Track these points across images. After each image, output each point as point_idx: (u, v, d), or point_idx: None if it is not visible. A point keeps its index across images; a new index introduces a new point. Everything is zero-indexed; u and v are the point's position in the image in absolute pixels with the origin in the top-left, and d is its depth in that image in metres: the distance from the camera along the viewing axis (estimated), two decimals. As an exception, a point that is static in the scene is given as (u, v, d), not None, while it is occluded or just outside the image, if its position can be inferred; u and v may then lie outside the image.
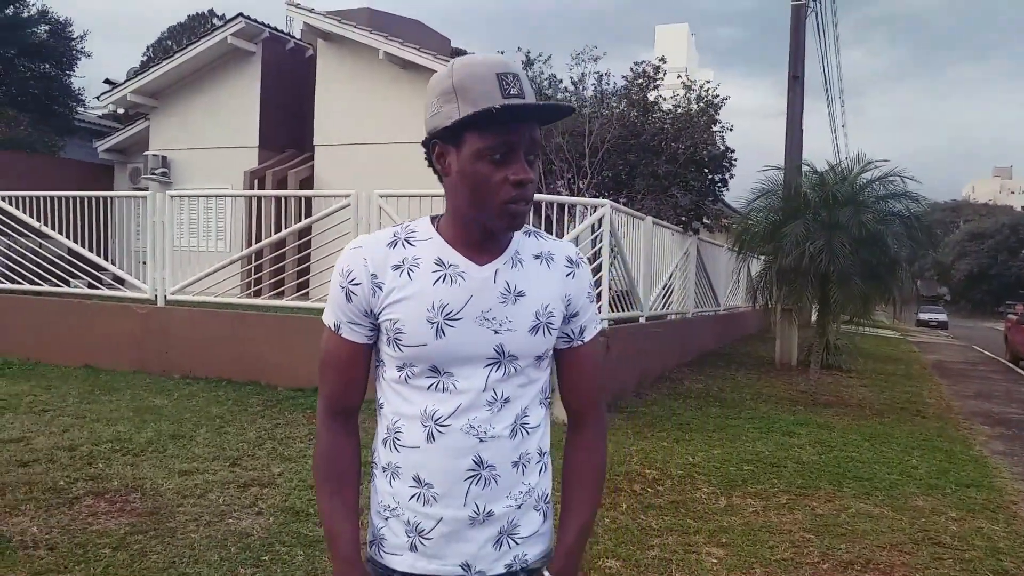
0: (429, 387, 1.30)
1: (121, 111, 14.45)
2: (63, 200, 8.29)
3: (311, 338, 5.74)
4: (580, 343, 1.41)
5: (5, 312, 8.30)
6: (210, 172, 12.80)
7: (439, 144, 1.27)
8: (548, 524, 1.42)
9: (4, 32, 19.07)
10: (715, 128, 11.57)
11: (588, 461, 1.44)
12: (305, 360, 6.53)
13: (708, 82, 12.05)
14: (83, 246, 8.23)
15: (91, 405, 6.15)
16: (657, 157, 10.80)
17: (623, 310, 7.75)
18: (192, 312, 7.61)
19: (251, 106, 13.10)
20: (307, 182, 12.39)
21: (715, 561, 3.68)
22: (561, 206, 7.37)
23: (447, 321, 1.27)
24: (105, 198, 8.49)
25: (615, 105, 11.28)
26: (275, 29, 13.46)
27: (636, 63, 11.55)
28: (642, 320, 8.32)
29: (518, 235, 1.35)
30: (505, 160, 1.22)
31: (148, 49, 30.16)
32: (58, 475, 4.36)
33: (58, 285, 8.26)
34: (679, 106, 11.57)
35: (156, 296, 7.74)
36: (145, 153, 13.65)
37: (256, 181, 12.44)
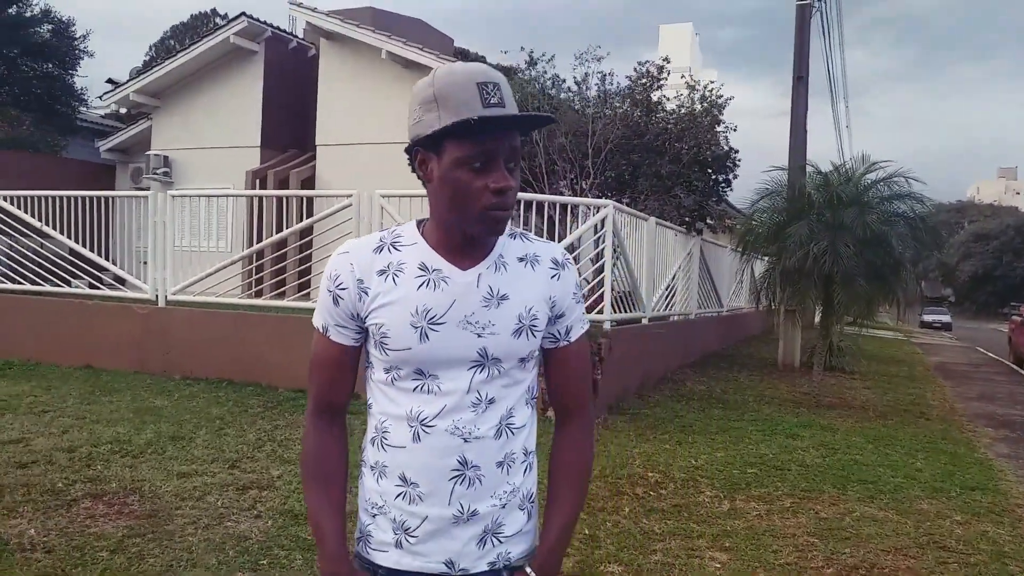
0: (415, 389, 1.32)
1: (123, 111, 14.47)
2: (64, 200, 8.28)
3: (312, 339, 5.71)
4: (566, 343, 1.43)
5: (6, 312, 8.28)
6: (212, 172, 12.77)
7: (421, 151, 1.29)
8: (532, 523, 1.43)
9: (7, 32, 19.12)
10: (719, 128, 11.52)
11: (574, 460, 1.46)
12: (306, 361, 6.36)
13: (712, 82, 11.99)
14: (84, 246, 8.22)
15: (91, 406, 6.13)
16: (660, 157, 10.77)
17: (626, 311, 7.72)
18: (193, 312, 7.59)
19: (253, 106, 13.07)
20: (309, 182, 12.36)
21: (718, 566, 3.65)
22: (564, 206, 7.35)
23: (431, 325, 1.30)
24: (106, 198, 8.47)
25: (618, 105, 11.23)
26: (278, 28, 13.43)
27: (640, 63, 11.52)
28: (645, 321, 8.28)
29: (504, 238, 1.37)
30: (485, 168, 1.24)
31: (151, 49, 30.29)
32: (57, 477, 4.34)
33: (59, 285, 8.25)
34: (683, 106, 11.52)
35: (157, 296, 7.72)
36: (147, 153, 13.64)
37: (258, 181, 12.42)
